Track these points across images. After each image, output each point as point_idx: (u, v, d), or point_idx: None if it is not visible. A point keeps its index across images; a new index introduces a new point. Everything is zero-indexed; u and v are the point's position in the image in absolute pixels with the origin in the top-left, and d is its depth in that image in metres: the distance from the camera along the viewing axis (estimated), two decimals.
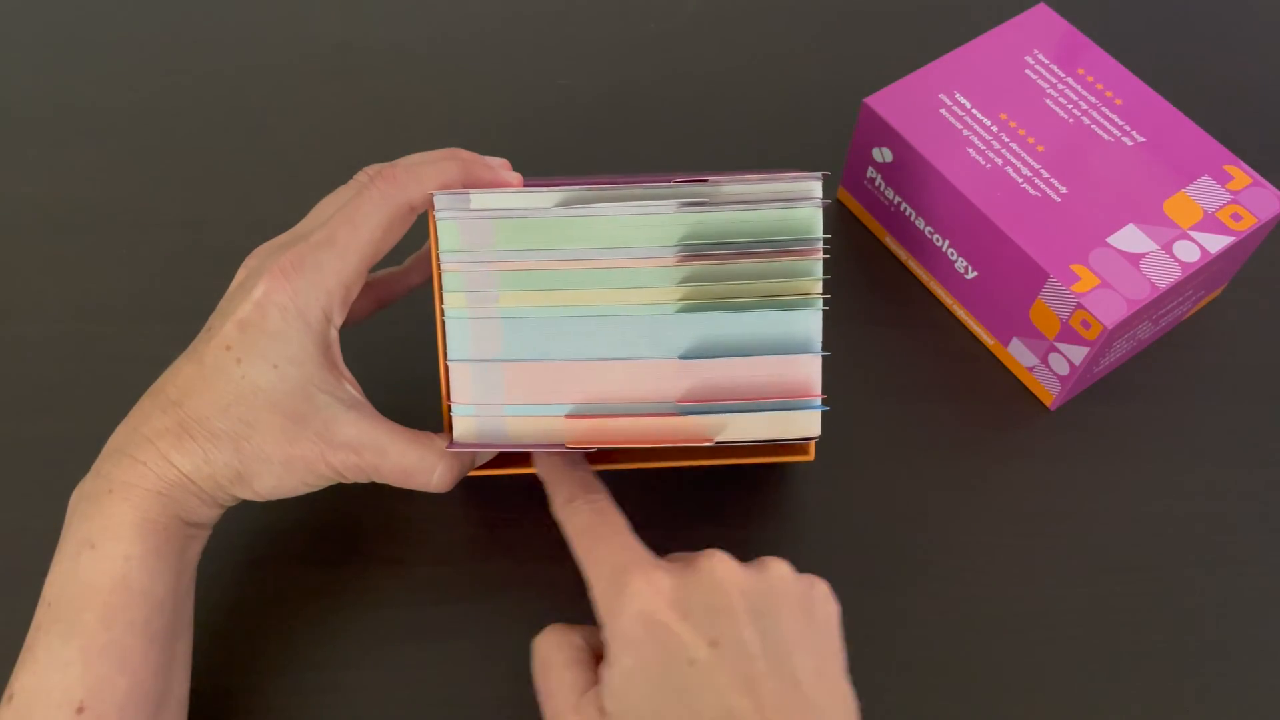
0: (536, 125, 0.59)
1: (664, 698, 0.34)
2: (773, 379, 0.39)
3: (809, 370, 0.39)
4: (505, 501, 0.47)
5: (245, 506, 0.41)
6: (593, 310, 0.39)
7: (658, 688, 0.34)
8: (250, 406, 0.37)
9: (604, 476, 0.47)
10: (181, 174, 0.57)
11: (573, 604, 0.45)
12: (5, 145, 0.58)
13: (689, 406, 0.39)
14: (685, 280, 0.39)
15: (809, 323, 0.39)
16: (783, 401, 0.39)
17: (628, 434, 0.39)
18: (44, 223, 0.55)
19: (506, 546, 0.46)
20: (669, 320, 0.39)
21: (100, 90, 0.60)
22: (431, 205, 0.39)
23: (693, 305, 0.39)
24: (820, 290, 0.39)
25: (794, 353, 0.39)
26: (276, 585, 0.45)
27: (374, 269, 0.42)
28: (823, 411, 0.40)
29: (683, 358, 0.39)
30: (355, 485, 0.41)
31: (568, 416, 0.39)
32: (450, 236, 0.39)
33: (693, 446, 0.39)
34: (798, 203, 0.38)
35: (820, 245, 0.39)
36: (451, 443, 0.40)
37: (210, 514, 0.39)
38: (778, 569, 0.37)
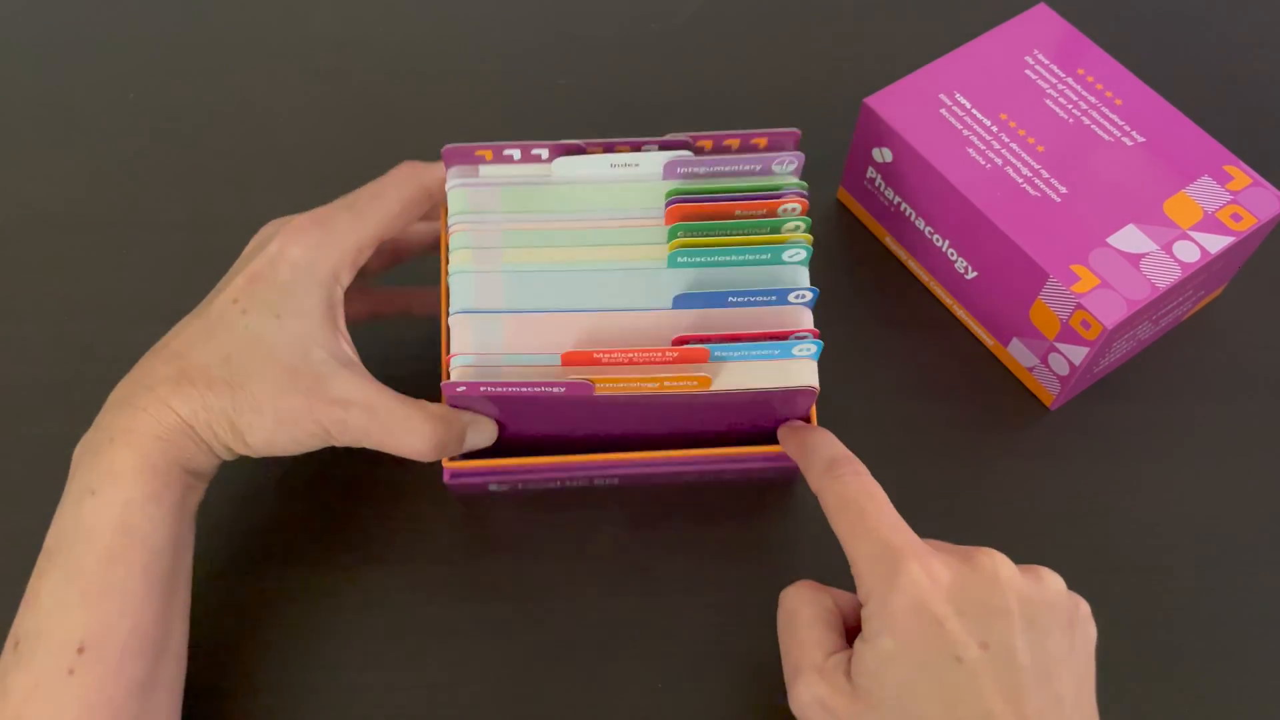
0: (536, 125, 0.59)
1: (920, 689, 0.33)
2: (765, 324, 0.40)
3: (800, 314, 0.40)
4: (505, 501, 0.47)
5: (246, 506, 0.41)
6: (590, 265, 0.40)
7: (915, 677, 0.33)
8: (250, 355, 0.38)
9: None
10: (180, 174, 0.57)
11: (573, 604, 0.45)
12: (5, 145, 0.58)
13: (684, 352, 0.39)
14: (676, 234, 0.40)
15: (796, 267, 0.40)
16: (778, 342, 0.39)
17: (623, 371, 0.39)
18: (44, 223, 0.55)
19: (506, 546, 0.46)
20: (662, 272, 0.40)
21: (99, 90, 0.60)
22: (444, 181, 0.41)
23: (684, 255, 0.40)
24: (805, 234, 0.40)
25: (784, 295, 0.40)
26: (276, 585, 0.45)
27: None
28: (821, 404, 0.40)
29: (676, 306, 0.40)
30: (355, 484, 0.41)
31: (564, 356, 0.39)
32: (459, 201, 0.41)
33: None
34: (777, 156, 0.41)
35: (802, 193, 0.40)
36: (448, 382, 0.39)
37: (208, 463, 0.39)
38: (1053, 582, 0.36)
